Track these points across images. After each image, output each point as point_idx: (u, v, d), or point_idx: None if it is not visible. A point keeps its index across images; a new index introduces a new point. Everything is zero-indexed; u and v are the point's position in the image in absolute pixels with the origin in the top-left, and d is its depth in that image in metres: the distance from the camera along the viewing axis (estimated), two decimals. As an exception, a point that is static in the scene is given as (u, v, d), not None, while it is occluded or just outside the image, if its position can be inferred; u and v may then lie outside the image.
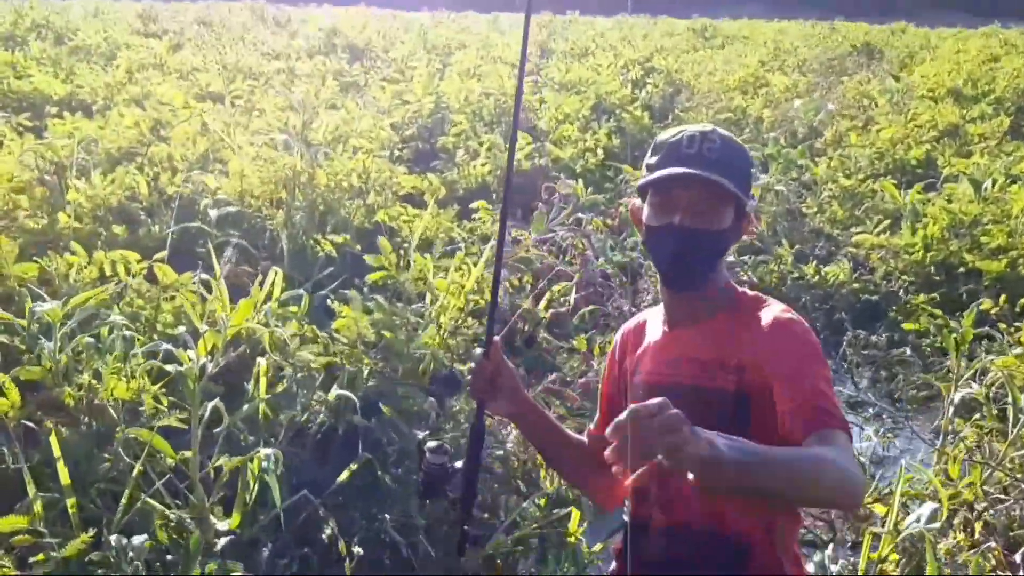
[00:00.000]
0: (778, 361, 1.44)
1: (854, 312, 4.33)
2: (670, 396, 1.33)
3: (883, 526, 2.49)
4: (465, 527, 1.60)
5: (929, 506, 2.38)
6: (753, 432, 1.29)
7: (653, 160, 1.56)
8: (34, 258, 3.13)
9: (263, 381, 2.42)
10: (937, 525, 2.37)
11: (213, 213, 3.65)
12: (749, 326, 1.51)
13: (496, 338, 1.67)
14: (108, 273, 3.18)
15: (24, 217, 3.74)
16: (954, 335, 3.09)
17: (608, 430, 1.14)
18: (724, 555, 1.51)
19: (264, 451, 2.16)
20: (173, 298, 3.00)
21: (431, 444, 1.65)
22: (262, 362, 2.41)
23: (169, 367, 2.32)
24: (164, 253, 3.32)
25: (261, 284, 2.76)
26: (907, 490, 2.57)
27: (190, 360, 2.18)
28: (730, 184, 1.49)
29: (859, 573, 2.47)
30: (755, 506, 1.47)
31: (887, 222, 5.04)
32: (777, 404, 1.42)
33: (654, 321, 1.71)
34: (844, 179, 6.08)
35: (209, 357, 2.28)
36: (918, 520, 2.34)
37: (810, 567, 2.46)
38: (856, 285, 4.54)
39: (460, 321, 3.30)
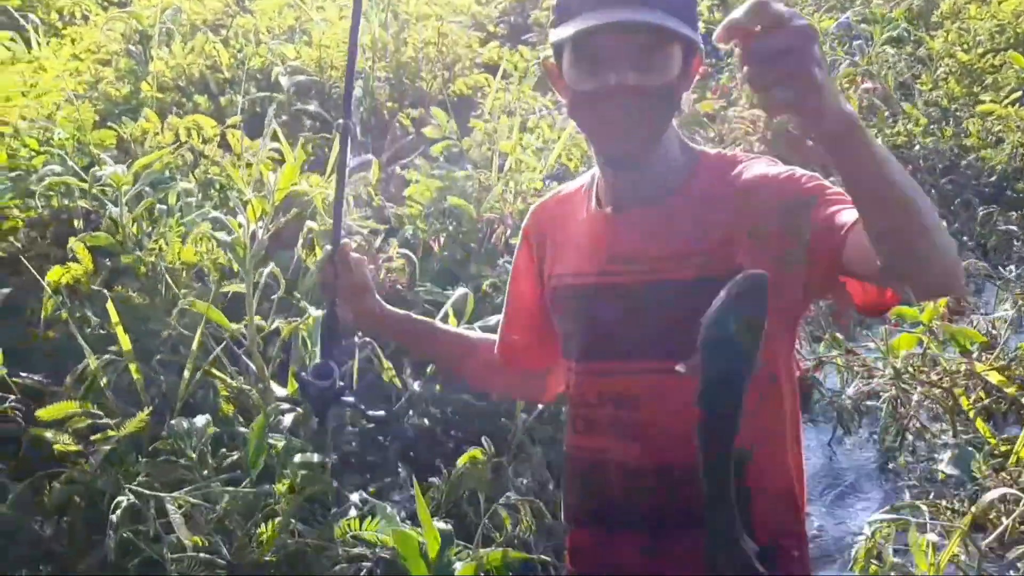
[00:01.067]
0: (771, 204, 1.13)
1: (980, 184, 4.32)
2: (628, 300, 1.20)
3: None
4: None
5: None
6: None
7: (562, 3, 1.22)
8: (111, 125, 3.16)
9: (317, 248, 2.35)
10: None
11: (285, 81, 3.58)
12: (721, 194, 1.20)
13: (345, 240, 1.52)
14: (184, 140, 3.18)
15: (106, 85, 3.76)
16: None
17: (719, 28, 0.82)
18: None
19: (316, 312, 2.08)
20: (250, 165, 2.97)
21: (316, 364, 1.51)
22: (312, 224, 2.33)
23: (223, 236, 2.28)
24: (237, 118, 3.27)
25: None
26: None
27: (240, 226, 2.11)
28: (678, 23, 1.14)
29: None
30: (759, 417, 1.06)
31: (1018, 94, 4.80)
32: (823, 234, 1.08)
33: (581, 200, 1.37)
34: (963, 54, 5.58)
35: (261, 223, 2.21)
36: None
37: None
38: (987, 152, 4.42)
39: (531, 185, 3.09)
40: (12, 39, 4.00)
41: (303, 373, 1.52)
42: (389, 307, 1.55)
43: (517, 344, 1.47)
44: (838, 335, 3.20)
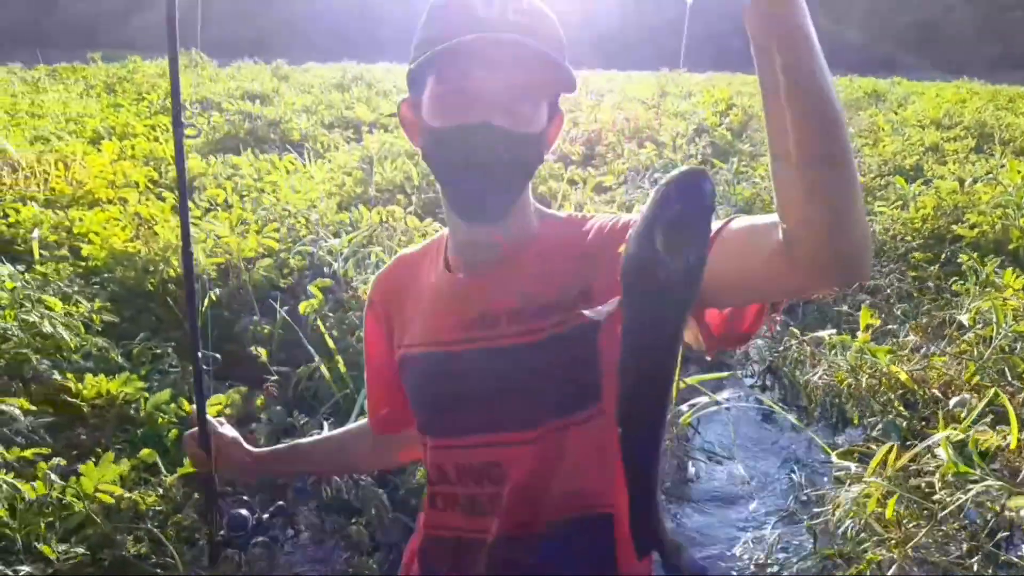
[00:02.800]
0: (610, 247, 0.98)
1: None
2: (481, 370, 1.12)
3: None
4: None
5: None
6: (605, 371, 1.02)
7: (428, 33, 1.06)
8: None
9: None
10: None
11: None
12: (575, 249, 1.12)
13: (214, 419, 1.50)
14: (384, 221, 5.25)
15: (345, 188, 6.02)
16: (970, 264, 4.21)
17: None
18: (592, 549, 1.12)
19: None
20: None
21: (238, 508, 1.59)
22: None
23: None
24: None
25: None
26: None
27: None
28: (557, 56, 1.04)
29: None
30: (607, 468, 1.06)
31: (899, 202, 6.36)
32: None
33: (426, 262, 1.27)
34: (860, 177, 6.83)
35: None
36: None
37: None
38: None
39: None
40: (292, 160, 6.45)
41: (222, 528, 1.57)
42: (257, 451, 1.52)
43: (386, 414, 1.39)
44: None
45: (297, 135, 8.59)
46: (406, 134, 1.17)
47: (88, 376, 3.03)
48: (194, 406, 1.51)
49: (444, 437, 1.21)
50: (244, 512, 1.60)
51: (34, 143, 7.30)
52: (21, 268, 3.90)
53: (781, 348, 4.40)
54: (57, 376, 3.09)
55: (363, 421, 1.50)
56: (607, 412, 0.92)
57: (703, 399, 3.53)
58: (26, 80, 15.14)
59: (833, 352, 3.97)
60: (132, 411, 3.01)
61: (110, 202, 5.31)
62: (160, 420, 2.96)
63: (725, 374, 4.14)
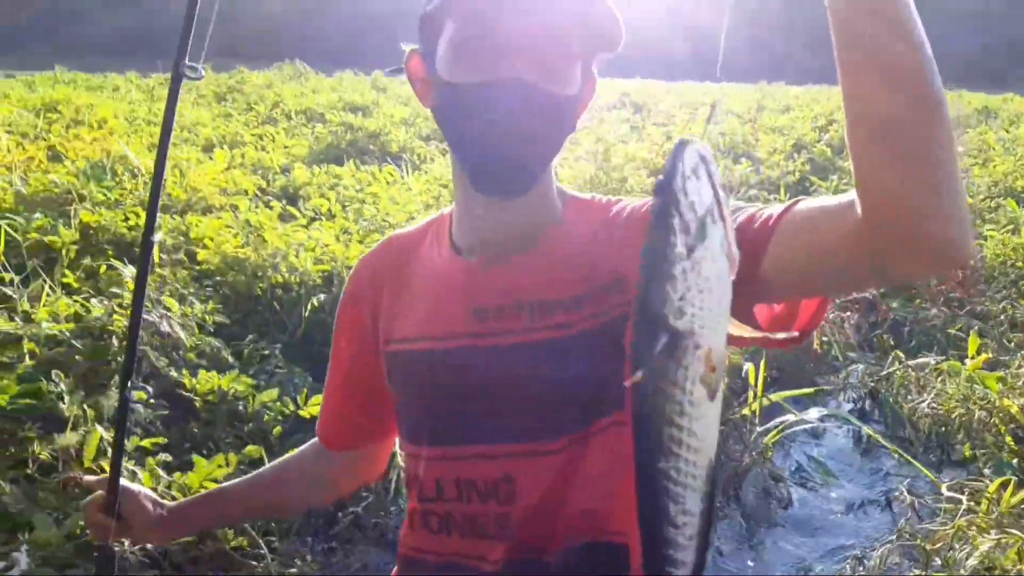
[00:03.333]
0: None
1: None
2: (495, 367, 0.97)
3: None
4: None
5: None
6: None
7: None
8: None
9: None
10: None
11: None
12: (603, 230, 0.99)
13: (125, 483, 1.24)
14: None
15: (442, 200, 6.15)
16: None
17: None
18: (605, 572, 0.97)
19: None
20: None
21: None
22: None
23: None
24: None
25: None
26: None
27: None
28: (600, 4, 0.93)
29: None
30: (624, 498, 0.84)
31: (1010, 226, 6.07)
32: None
33: (426, 246, 1.10)
34: (969, 199, 6.44)
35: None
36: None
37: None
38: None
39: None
40: (392, 172, 6.64)
41: None
42: (172, 505, 1.30)
43: (344, 421, 1.21)
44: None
45: (396, 147, 8.86)
46: (414, 92, 1.01)
47: (202, 372, 3.20)
48: (112, 468, 1.24)
49: (444, 446, 1.03)
50: None
51: (151, 150, 7.73)
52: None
53: (883, 373, 4.28)
54: (173, 372, 3.28)
55: (302, 448, 1.32)
56: (627, 421, 0.77)
57: (788, 417, 3.48)
58: (141, 88, 16.10)
59: (941, 379, 3.84)
60: (241, 407, 3.16)
61: (222, 208, 5.58)
62: (266, 417, 3.11)
63: (810, 390, 4.03)
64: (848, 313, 4.88)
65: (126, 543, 1.48)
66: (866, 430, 3.80)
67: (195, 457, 2.65)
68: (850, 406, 4.29)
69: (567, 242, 0.99)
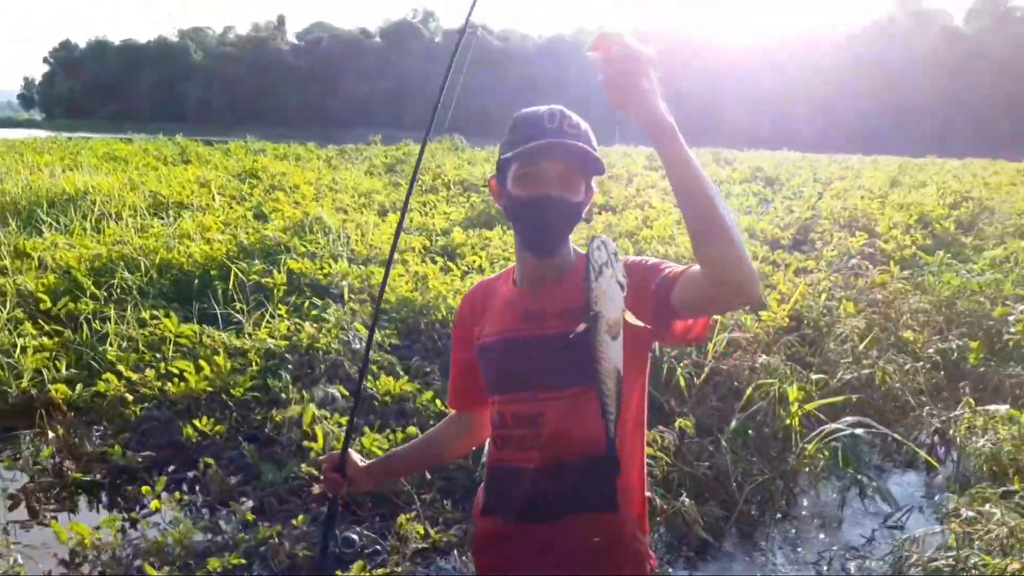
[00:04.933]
0: (634, 278, 1.46)
1: None
2: (535, 348, 1.60)
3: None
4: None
5: None
6: (626, 361, 1.42)
7: (513, 136, 1.57)
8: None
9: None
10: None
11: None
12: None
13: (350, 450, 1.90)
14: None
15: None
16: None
17: (591, 41, 1.30)
18: (598, 480, 1.57)
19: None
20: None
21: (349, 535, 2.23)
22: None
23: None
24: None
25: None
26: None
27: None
28: (594, 151, 1.53)
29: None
30: (623, 424, 1.51)
31: None
32: (650, 294, 1.49)
33: (500, 283, 1.77)
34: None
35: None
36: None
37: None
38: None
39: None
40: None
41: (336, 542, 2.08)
42: (369, 462, 1.94)
43: (465, 392, 1.84)
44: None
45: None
46: (493, 198, 1.69)
47: (382, 378, 4.40)
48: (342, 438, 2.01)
49: (506, 394, 1.65)
50: (353, 536, 2.24)
51: (336, 212, 9.30)
52: (337, 305, 5.48)
53: (952, 415, 4.84)
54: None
55: (442, 421, 1.99)
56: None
57: (827, 427, 4.10)
58: (320, 157, 18.35)
59: (1003, 425, 4.37)
60: (409, 405, 4.31)
61: (394, 262, 6.92)
62: (424, 412, 4.23)
63: (839, 399, 4.62)
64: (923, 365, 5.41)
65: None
66: (894, 435, 4.36)
67: (364, 438, 3.75)
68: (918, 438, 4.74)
69: (576, 280, 1.53)
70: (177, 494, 3.63)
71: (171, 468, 3.98)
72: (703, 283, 1.38)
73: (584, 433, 1.53)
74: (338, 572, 3.01)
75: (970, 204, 12.80)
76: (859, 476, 4.14)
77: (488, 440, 1.76)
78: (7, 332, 5.11)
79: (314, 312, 5.39)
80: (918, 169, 20.87)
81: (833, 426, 4.12)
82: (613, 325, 1.39)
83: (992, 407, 4.70)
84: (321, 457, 2.15)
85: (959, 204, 12.84)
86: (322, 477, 1.92)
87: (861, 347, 5.52)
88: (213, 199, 10.34)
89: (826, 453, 4.16)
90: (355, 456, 1.91)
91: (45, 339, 5.05)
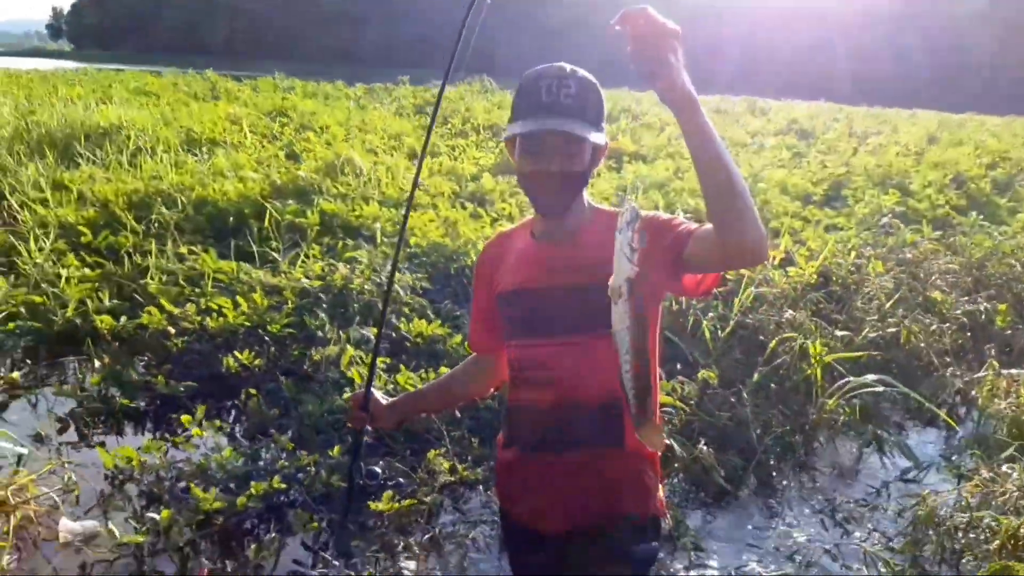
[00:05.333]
0: (648, 233, 1.45)
1: None
2: (548, 298, 1.69)
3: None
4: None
5: None
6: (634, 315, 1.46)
7: (517, 102, 1.66)
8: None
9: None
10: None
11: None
12: (612, 229, 1.51)
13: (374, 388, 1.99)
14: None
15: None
16: None
17: (616, 17, 1.32)
18: (606, 419, 1.67)
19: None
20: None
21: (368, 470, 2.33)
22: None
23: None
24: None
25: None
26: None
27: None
28: (586, 130, 1.59)
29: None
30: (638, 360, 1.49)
31: None
32: (662, 250, 1.53)
33: (518, 235, 1.85)
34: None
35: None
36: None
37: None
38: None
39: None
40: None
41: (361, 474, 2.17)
42: (392, 400, 2.04)
43: (484, 334, 1.94)
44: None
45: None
46: (512, 160, 1.76)
47: (415, 320, 4.51)
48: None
49: (522, 339, 1.76)
50: (376, 469, 2.44)
51: (367, 154, 9.36)
52: (369, 247, 5.57)
53: (976, 376, 4.90)
54: (394, 319, 4.61)
55: (464, 361, 2.09)
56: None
57: (848, 381, 4.20)
58: (349, 96, 18.28)
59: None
60: (439, 347, 4.43)
61: (425, 206, 6.98)
62: (454, 354, 4.35)
63: (862, 354, 4.68)
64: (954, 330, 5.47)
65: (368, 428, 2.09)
66: (913, 395, 4.39)
67: (399, 376, 3.89)
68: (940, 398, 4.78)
69: (590, 236, 1.69)
70: (217, 422, 3.79)
71: (211, 399, 4.14)
72: (714, 244, 1.45)
73: (593, 377, 1.65)
74: (369, 503, 3.16)
75: (1008, 164, 12.55)
76: (879, 431, 4.23)
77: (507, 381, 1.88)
78: (51, 263, 5.27)
79: (348, 253, 5.49)
80: (958, 125, 20.33)
81: (855, 381, 4.18)
82: (615, 290, 1.46)
83: (1016, 370, 4.76)
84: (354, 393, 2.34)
85: (996, 164, 12.59)
86: (349, 416, 2.03)
87: (888, 306, 5.55)
88: (245, 137, 10.41)
89: (847, 409, 4.26)
90: (377, 395, 2.00)
91: (88, 271, 5.21)
